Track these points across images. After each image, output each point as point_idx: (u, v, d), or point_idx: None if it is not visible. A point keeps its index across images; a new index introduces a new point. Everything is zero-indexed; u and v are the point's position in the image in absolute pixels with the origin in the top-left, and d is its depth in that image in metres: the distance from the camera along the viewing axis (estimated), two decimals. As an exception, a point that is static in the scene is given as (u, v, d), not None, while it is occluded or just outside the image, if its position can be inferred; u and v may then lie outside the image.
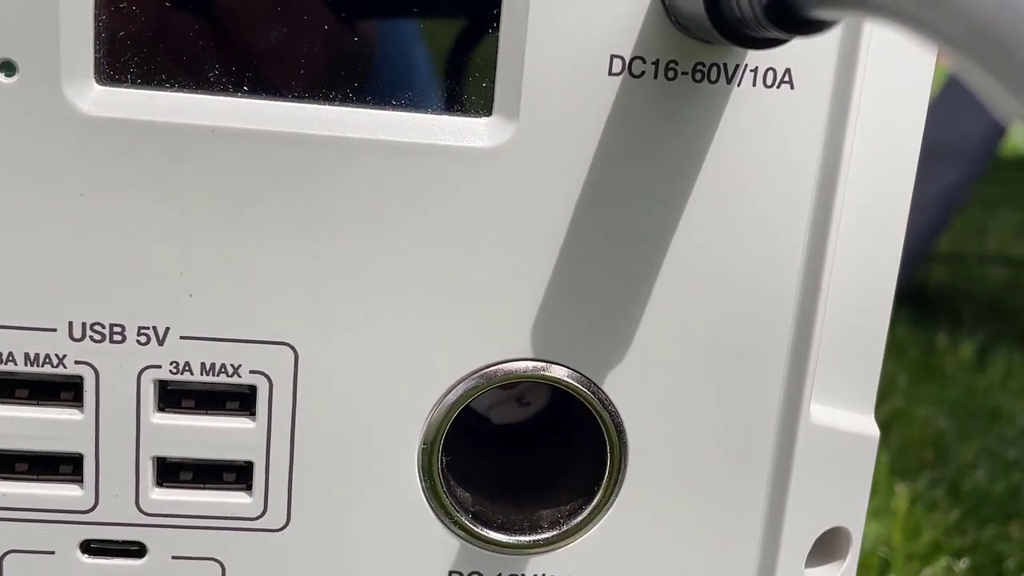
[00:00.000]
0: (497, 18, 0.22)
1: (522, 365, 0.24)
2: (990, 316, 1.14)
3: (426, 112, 0.23)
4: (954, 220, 1.52)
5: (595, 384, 0.24)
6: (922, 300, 1.14)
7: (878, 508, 0.70)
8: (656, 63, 0.22)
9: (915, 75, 0.24)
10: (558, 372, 0.24)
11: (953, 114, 1.10)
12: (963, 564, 0.63)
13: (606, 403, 0.24)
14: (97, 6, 0.21)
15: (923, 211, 1.06)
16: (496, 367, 0.24)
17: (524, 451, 0.28)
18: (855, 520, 0.26)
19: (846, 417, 0.25)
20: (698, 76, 0.22)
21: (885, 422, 0.83)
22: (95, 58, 0.22)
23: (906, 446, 0.80)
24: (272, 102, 0.22)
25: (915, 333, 1.04)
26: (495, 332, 0.23)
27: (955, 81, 1.12)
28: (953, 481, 0.74)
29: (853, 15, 0.17)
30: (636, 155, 0.23)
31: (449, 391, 0.24)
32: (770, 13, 0.17)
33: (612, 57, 0.22)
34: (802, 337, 0.24)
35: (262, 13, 0.22)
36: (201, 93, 0.22)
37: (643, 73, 0.22)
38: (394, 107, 0.22)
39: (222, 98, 0.22)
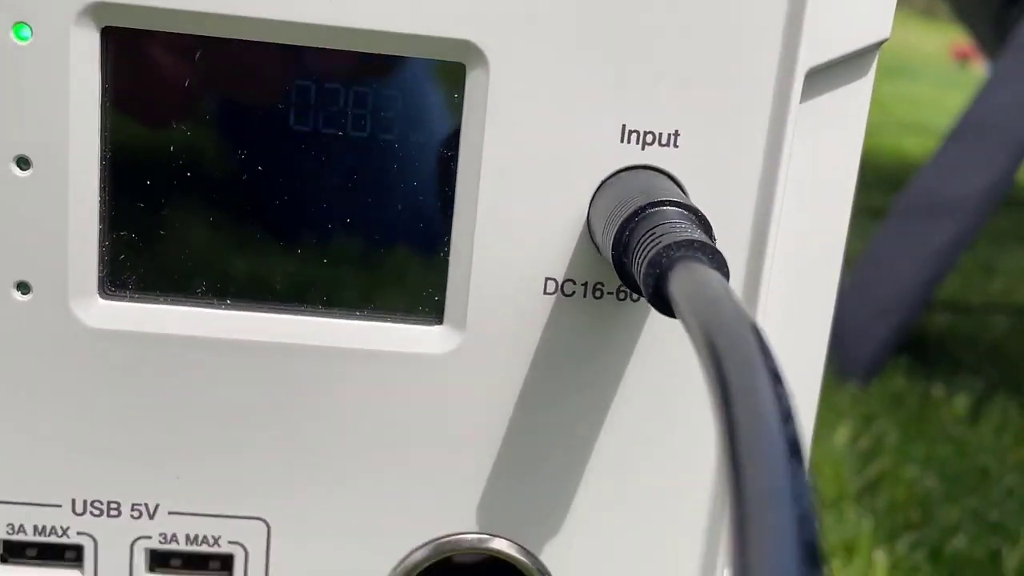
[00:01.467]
0: (447, 243, 0.25)
1: (468, 537, 0.27)
2: (989, 365, 1.16)
3: (386, 321, 0.26)
4: (961, 260, 1.54)
5: (532, 555, 0.27)
6: (922, 349, 1.16)
7: (859, 573, 0.72)
8: (585, 284, 0.26)
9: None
10: (499, 544, 0.27)
11: (954, 169, 1.12)
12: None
13: (543, 571, 0.27)
14: (101, 233, 0.25)
15: (923, 264, 1.09)
16: (446, 539, 0.27)
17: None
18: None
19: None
20: (622, 296, 0.26)
21: (873, 483, 0.86)
22: (98, 276, 0.25)
23: (892, 507, 0.82)
24: (252, 313, 0.26)
25: (912, 383, 1.07)
26: (444, 508, 0.27)
27: (955, 136, 1.14)
28: (935, 545, 0.77)
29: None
30: (568, 362, 0.26)
31: (405, 558, 0.27)
32: (650, 300, 0.20)
33: (547, 279, 0.25)
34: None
35: (239, 237, 0.25)
36: (189, 306, 0.25)
37: (574, 293, 0.26)
38: (358, 317, 0.26)
39: (207, 310, 0.25)
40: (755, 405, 0.14)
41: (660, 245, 0.21)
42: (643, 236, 0.22)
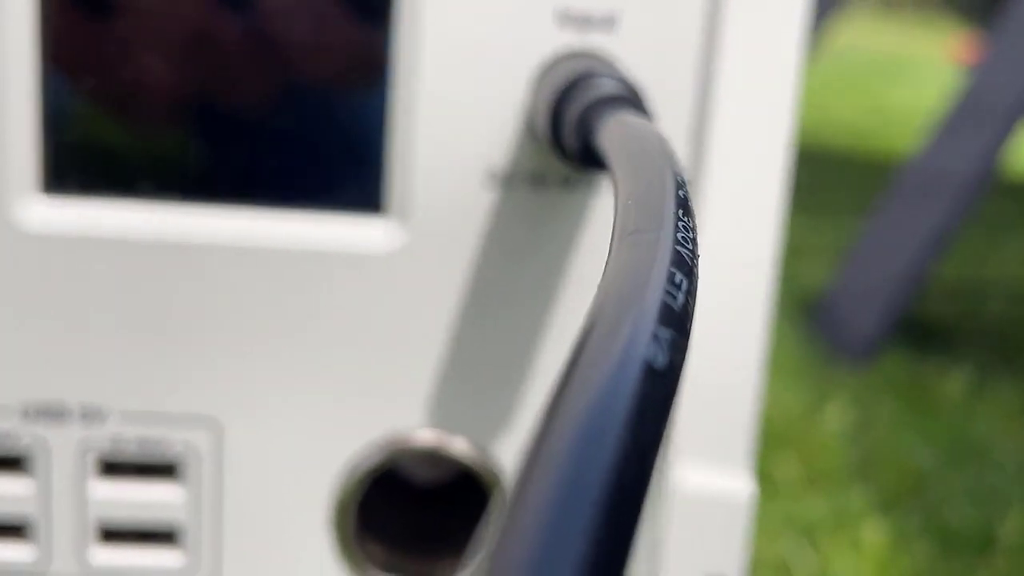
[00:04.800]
0: (388, 138, 0.26)
1: (424, 436, 0.27)
2: (984, 347, 1.16)
3: (331, 219, 0.26)
4: (956, 246, 1.54)
5: (488, 452, 0.27)
6: (917, 332, 1.16)
7: (853, 541, 0.72)
8: (527, 175, 0.26)
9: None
10: (456, 443, 0.27)
11: (944, 149, 1.12)
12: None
13: (500, 471, 0.27)
14: (40, 127, 0.25)
15: (915, 246, 1.09)
16: (400, 439, 0.27)
17: (438, 505, 0.31)
18: (734, 567, 0.29)
19: (716, 475, 0.28)
20: (564, 186, 0.26)
21: (866, 457, 0.85)
22: (39, 176, 0.25)
23: (885, 480, 0.82)
24: (194, 212, 0.26)
25: (907, 364, 1.07)
26: (395, 406, 0.27)
27: (947, 117, 1.14)
28: (928, 516, 0.77)
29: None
30: (513, 255, 0.26)
31: (360, 460, 0.27)
32: (580, 156, 0.20)
33: (489, 171, 0.25)
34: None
35: (180, 120, 0.25)
36: (129, 207, 0.25)
37: (515, 185, 0.26)
38: (303, 215, 0.26)
39: (152, 211, 0.25)
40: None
41: (588, 102, 0.21)
42: (575, 104, 0.22)
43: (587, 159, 0.21)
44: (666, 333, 0.11)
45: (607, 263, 0.14)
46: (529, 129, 0.25)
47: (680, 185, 0.16)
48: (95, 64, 0.25)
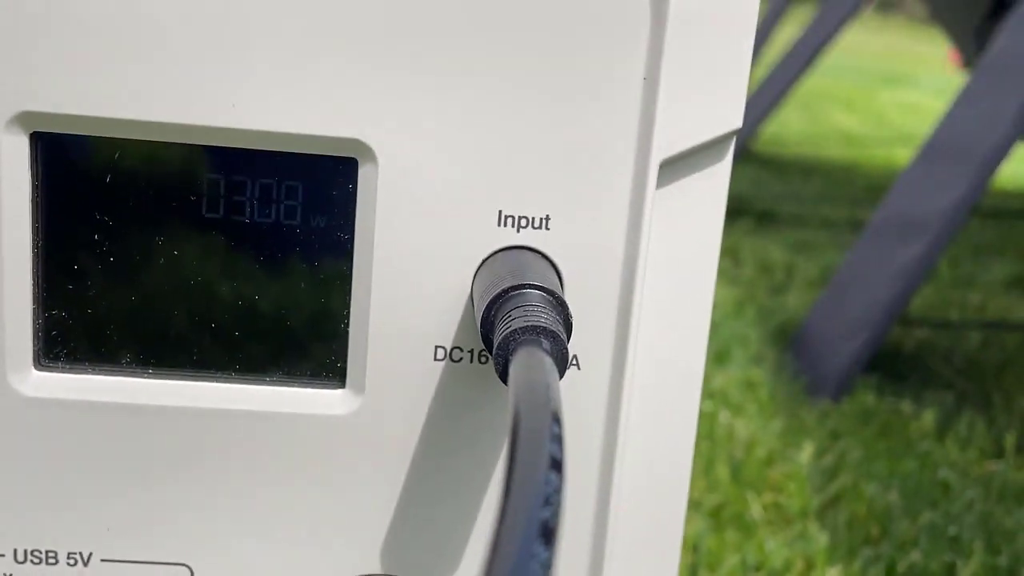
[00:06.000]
0: (347, 316, 0.28)
1: (375, 577, 0.30)
2: (962, 379, 1.18)
3: (293, 386, 0.29)
4: (939, 272, 1.57)
5: (433, 593, 0.30)
6: (895, 364, 1.19)
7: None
8: (471, 351, 0.28)
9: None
10: (404, 584, 0.30)
11: (921, 187, 1.15)
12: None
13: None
14: (34, 312, 0.28)
15: (892, 282, 1.12)
16: (354, 579, 0.30)
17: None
18: None
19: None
20: (504, 362, 0.29)
21: (834, 498, 0.88)
22: (33, 351, 0.28)
23: (852, 523, 0.85)
24: (172, 381, 0.29)
25: (882, 399, 1.09)
26: (352, 552, 0.30)
27: (924, 155, 1.17)
28: (891, 559, 0.80)
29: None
30: (458, 420, 0.29)
31: (317, 596, 0.30)
32: (501, 378, 0.23)
33: (437, 347, 0.28)
34: (597, 551, 0.30)
35: (167, 307, 0.28)
36: (114, 375, 0.28)
37: (461, 359, 0.29)
38: (269, 383, 0.29)
39: (130, 379, 0.28)
40: (526, 487, 0.17)
41: (510, 329, 0.24)
42: (503, 317, 0.25)
43: (505, 380, 0.23)
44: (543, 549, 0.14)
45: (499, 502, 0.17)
46: (472, 311, 0.28)
47: (554, 441, 0.19)
48: (83, 250, 0.28)
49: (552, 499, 0.17)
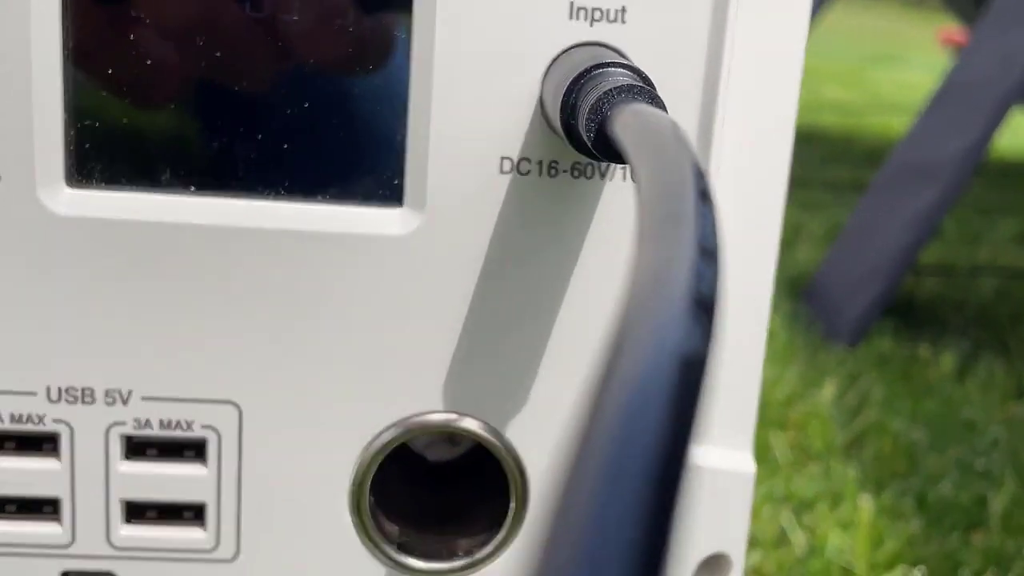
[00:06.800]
0: (405, 126, 0.26)
1: (437, 417, 0.28)
2: (976, 326, 1.17)
3: (348, 204, 0.27)
4: (947, 229, 1.55)
5: (499, 432, 0.28)
6: (909, 312, 1.17)
7: (844, 519, 0.73)
8: (540, 163, 0.26)
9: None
10: (468, 423, 0.28)
11: (934, 134, 1.13)
12: (919, 573, 0.66)
13: (510, 449, 0.28)
14: (65, 123, 0.25)
15: (906, 228, 1.10)
16: (414, 418, 0.28)
17: (450, 485, 0.32)
18: (736, 547, 0.30)
19: (721, 455, 0.29)
20: (576, 173, 0.26)
21: (859, 436, 0.87)
22: (65, 166, 0.26)
23: (879, 459, 0.83)
24: (216, 199, 0.26)
25: (899, 344, 1.08)
26: (411, 388, 0.27)
27: (935, 101, 1.15)
28: (921, 492, 0.78)
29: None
30: (526, 240, 0.27)
31: (375, 438, 0.28)
32: (593, 146, 0.21)
33: (503, 159, 0.26)
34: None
35: (205, 123, 0.26)
36: (155, 193, 0.26)
37: (529, 172, 0.26)
38: (320, 201, 0.27)
39: (172, 196, 0.26)
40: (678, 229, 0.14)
41: (601, 91, 0.21)
42: (588, 94, 0.23)
43: (601, 148, 0.21)
44: (696, 323, 0.11)
45: (634, 254, 0.14)
46: (542, 117, 0.26)
47: (700, 175, 0.17)
48: (116, 54, 0.25)
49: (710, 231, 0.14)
